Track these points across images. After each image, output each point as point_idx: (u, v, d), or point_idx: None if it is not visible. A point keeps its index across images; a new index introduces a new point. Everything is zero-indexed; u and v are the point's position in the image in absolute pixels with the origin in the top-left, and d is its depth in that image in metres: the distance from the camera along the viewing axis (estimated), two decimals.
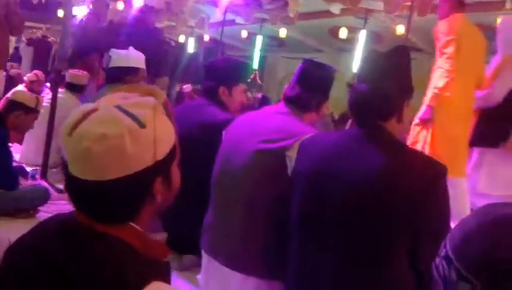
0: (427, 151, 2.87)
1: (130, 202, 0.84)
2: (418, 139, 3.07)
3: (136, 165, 0.80)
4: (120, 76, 2.53)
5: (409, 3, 5.52)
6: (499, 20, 3.69)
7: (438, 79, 3.02)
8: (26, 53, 9.80)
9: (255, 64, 9.52)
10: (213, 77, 2.27)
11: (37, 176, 3.27)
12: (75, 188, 0.82)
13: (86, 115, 0.79)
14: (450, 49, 3.01)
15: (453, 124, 3.02)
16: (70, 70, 3.84)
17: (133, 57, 2.61)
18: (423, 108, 3.12)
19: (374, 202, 1.24)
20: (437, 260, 0.68)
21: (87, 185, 0.80)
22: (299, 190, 1.43)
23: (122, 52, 2.61)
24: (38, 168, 3.39)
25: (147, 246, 0.85)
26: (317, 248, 1.36)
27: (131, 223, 0.85)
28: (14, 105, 2.67)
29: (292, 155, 1.58)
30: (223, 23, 7.85)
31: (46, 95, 3.92)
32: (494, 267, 0.60)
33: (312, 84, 1.79)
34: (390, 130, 1.35)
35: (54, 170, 3.49)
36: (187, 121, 2.25)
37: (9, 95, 2.75)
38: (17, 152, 3.57)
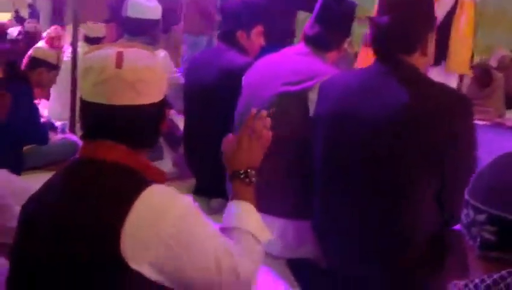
0: None
1: (156, 126, 0.99)
2: None
3: (162, 93, 0.98)
4: (140, 28, 2.47)
5: None
6: None
7: None
8: (43, 7, 9.69)
9: None
10: (229, 20, 2.21)
11: (67, 130, 3.36)
12: (105, 116, 0.93)
13: (120, 54, 0.92)
14: None
15: None
16: (87, 23, 3.81)
17: (153, 8, 2.52)
18: None
19: (399, 136, 1.23)
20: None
21: (127, 112, 0.92)
22: (320, 133, 1.43)
23: (141, 1, 2.52)
24: (66, 122, 3.47)
25: (148, 169, 0.96)
26: (342, 186, 1.37)
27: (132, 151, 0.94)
28: (36, 62, 2.70)
29: (313, 97, 1.56)
30: None
31: (67, 50, 3.95)
32: (506, 192, 0.62)
33: (332, 22, 1.73)
34: (415, 64, 1.30)
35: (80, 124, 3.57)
36: (207, 68, 2.24)
37: (30, 52, 2.77)
38: (45, 108, 3.63)
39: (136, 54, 0.95)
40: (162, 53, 2.43)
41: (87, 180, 0.91)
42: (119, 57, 0.92)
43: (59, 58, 2.83)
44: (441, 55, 2.78)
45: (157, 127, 1.00)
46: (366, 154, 1.29)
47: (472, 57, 3.36)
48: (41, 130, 2.56)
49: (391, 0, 1.32)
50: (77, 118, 3.47)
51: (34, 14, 9.23)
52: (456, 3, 2.85)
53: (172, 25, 5.05)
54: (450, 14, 2.86)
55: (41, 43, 4.44)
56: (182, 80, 2.49)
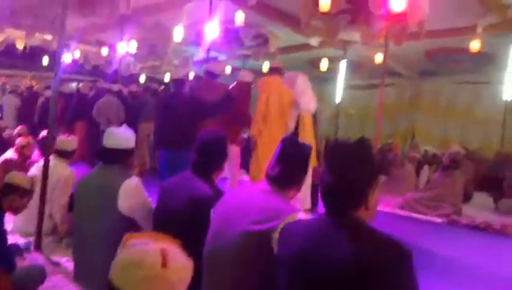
0: None
1: None
2: None
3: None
4: (116, 158, 2.57)
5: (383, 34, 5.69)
6: None
7: None
8: (9, 103, 9.74)
9: None
10: (206, 156, 2.41)
11: (31, 248, 3.31)
12: None
13: (164, 252, 1.04)
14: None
15: None
16: (59, 137, 3.91)
17: (128, 138, 2.62)
18: None
19: (349, 284, 1.33)
20: None
21: None
22: (282, 275, 1.52)
23: (116, 131, 2.62)
24: (31, 239, 3.43)
25: None
26: None
27: None
28: (9, 189, 2.71)
29: (277, 236, 1.67)
30: (207, 60, 8.00)
31: (37, 162, 3.99)
32: None
33: (292, 163, 1.90)
34: (359, 217, 1.44)
35: (46, 239, 3.53)
36: (176, 195, 2.35)
37: (5, 179, 2.78)
38: (9, 222, 3.60)
39: (176, 254, 1.06)
40: (135, 179, 2.53)
41: None
42: (165, 256, 1.02)
43: (34, 183, 2.86)
44: None
45: None
46: None
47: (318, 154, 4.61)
48: (7, 259, 2.52)
49: (336, 162, 1.46)
50: (43, 234, 3.45)
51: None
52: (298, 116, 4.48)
53: None
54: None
55: (10, 152, 4.49)
56: (152, 205, 2.57)
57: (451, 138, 9.12)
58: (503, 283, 3.62)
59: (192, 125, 4.26)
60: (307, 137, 4.48)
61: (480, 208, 6.32)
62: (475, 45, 7.21)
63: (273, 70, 5.10)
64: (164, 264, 1.01)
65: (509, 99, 7.59)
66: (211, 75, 5.03)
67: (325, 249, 1.40)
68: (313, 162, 4.05)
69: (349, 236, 1.38)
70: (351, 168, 1.43)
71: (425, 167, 7.10)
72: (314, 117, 4.79)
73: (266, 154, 4.02)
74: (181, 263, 1.05)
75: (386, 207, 5.66)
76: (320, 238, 1.44)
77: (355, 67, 9.19)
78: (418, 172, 7.00)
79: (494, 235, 5.04)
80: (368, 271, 1.32)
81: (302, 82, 4.63)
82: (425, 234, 4.93)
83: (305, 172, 1.95)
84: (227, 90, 4.85)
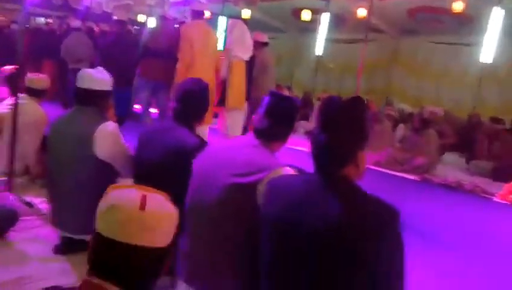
0: None
1: (159, 270, 1.06)
2: None
3: (170, 239, 1.07)
4: (90, 99, 2.46)
5: None
6: None
7: None
8: None
9: (220, 46, 9.52)
10: (187, 102, 2.35)
11: (2, 188, 3.22)
12: (121, 254, 0.99)
13: (144, 197, 1.02)
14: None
15: None
16: (29, 75, 3.72)
17: (101, 79, 2.51)
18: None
19: (335, 245, 1.34)
20: None
21: (140, 252, 0.99)
22: (266, 233, 1.52)
23: (90, 72, 2.51)
24: (2, 179, 3.33)
25: None
26: (284, 285, 1.46)
27: None
28: None
29: (262, 189, 1.66)
30: (185, 2, 7.72)
31: (5, 100, 3.81)
32: None
33: (279, 117, 1.86)
34: (348, 175, 1.44)
35: (20, 179, 3.44)
36: (157, 144, 2.29)
37: None
38: None
39: (156, 200, 1.04)
40: (111, 125, 2.45)
41: None
42: (143, 200, 1.00)
43: (2, 121, 2.73)
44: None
45: (159, 271, 1.06)
46: (304, 258, 1.40)
47: (247, 96, 5.06)
48: None
49: (328, 119, 1.44)
50: (16, 173, 3.35)
51: None
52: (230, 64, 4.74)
53: None
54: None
55: None
56: (131, 152, 2.51)
57: (426, 98, 9.25)
58: (475, 241, 3.76)
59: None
60: (236, 83, 4.82)
61: (452, 168, 6.52)
62: (458, 6, 7.17)
63: (195, 14, 4.98)
64: (142, 207, 0.99)
65: (486, 62, 7.67)
66: (196, 13, 5.01)
67: (312, 207, 1.39)
68: (237, 105, 4.87)
69: (338, 195, 1.38)
70: (344, 126, 1.41)
71: (401, 125, 7.21)
72: (251, 64, 5.05)
73: None
74: (161, 209, 1.02)
75: None
76: (307, 196, 1.43)
77: (337, 21, 9.04)
78: (393, 130, 7.10)
79: (465, 195, 5.22)
80: (356, 232, 1.32)
81: (239, 30, 4.80)
82: (399, 191, 5.06)
83: (292, 126, 1.92)
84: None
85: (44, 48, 7.44)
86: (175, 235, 1.09)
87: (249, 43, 4.93)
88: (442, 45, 9.37)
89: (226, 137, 4.84)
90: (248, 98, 5.11)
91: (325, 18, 8.47)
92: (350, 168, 1.44)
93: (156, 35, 5.26)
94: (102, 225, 1.01)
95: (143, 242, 0.99)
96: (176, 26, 5.85)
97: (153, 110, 5.77)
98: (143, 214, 0.99)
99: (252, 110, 5.10)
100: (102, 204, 1.02)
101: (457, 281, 2.99)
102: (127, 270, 0.99)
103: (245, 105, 5.12)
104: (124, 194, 1.02)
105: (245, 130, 5.49)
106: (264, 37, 5.80)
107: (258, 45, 5.50)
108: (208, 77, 4.37)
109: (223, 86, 4.92)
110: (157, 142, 2.30)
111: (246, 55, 4.90)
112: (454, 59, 9.24)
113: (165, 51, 4.96)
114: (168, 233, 1.05)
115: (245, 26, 4.93)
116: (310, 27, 9.58)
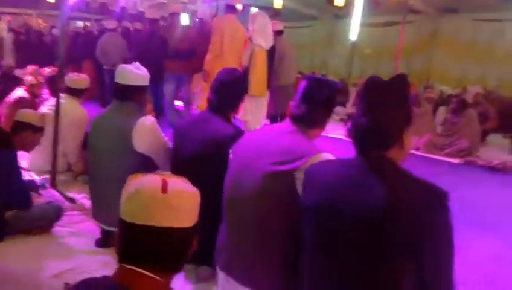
0: None
1: (187, 250, 1.06)
2: None
3: (195, 219, 1.07)
4: (128, 94, 2.48)
5: None
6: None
7: None
8: (9, 42, 9.42)
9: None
10: (222, 93, 2.35)
11: (47, 185, 3.32)
12: (148, 237, 0.99)
13: (165, 181, 1.02)
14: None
15: None
16: (70, 74, 3.81)
17: (139, 75, 2.52)
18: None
19: (381, 230, 1.27)
20: None
21: (166, 233, 0.99)
22: (307, 221, 1.46)
23: (129, 68, 2.51)
24: (46, 176, 3.43)
25: None
26: (327, 273, 1.40)
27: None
28: (20, 126, 2.67)
29: (301, 176, 1.60)
30: None
31: (47, 100, 3.92)
32: None
33: (317, 102, 1.79)
34: (393, 157, 1.36)
35: (62, 177, 3.54)
36: (195, 136, 2.28)
37: (16, 117, 2.74)
38: (24, 159, 3.59)
39: (177, 182, 1.05)
40: (150, 119, 2.46)
41: None
42: (164, 183, 1.00)
43: (44, 120, 2.81)
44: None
45: (187, 252, 1.06)
46: (348, 245, 1.34)
47: (269, 84, 5.12)
48: (23, 195, 2.52)
49: (370, 101, 1.37)
50: (58, 170, 3.45)
51: None
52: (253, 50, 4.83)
53: None
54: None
55: (21, 92, 4.40)
56: (170, 145, 2.52)
57: (470, 79, 8.85)
58: None
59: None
60: (258, 71, 4.94)
61: (496, 149, 6.26)
62: None
63: (228, 8, 5.32)
64: (164, 190, 0.99)
65: None
66: (229, 8, 5.27)
67: (355, 192, 1.33)
68: (259, 93, 4.95)
69: (383, 178, 1.31)
70: (390, 105, 1.34)
71: (441, 108, 6.93)
72: (271, 53, 5.12)
73: None
74: (182, 189, 1.03)
75: None
76: (349, 180, 1.37)
77: (371, 4, 8.77)
78: (434, 113, 6.85)
79: (510, 176, 5.04)
80: (403, 216, 1.25)
81: (260, 20, 4.91)
82: (443, 174, 4.90)
83: (331, 111, 1.86)
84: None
85: (82, 49, 7.67)
86: (210, 222, 1.08)
87: (270, 32, 5.05)
88: (487, 22, 8.92)
89: (244, 123, 5.01)
90: (269, 86, 5.27)
91: (359, 2, 8.24)
92: (394, 150, 1.36)
93: (178, 37, 5.91)
94: (127, 211, 1.01)
95: (168, 223, 0.99)
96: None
97: (178, 102, 6.20)
98: (166, 196, 0.99)
99: (271, 99, 5.44)
100: (125, 192, 1.03)
101: (506, 264, 2.89)
102: (156, 253, 0.99)
103: (267, 93, 5.26)
104: (145, 179, 1.03)
105: (273, 118, 5.83)
106: (279, 25, 5.78)
107: (274, 34, 5.47)
108: (233, 66, 4.49)
109: (244, 73, 5.01)
110: (193, 134, 2.29)
111: (268, 44, 5.01)
112: (498, 35, 8.78)
113: (185, 51, 5.77)
114: (192, 212, 1.05)
115: (267, 17, 5.04)
116: (344, 13, 9.34)
